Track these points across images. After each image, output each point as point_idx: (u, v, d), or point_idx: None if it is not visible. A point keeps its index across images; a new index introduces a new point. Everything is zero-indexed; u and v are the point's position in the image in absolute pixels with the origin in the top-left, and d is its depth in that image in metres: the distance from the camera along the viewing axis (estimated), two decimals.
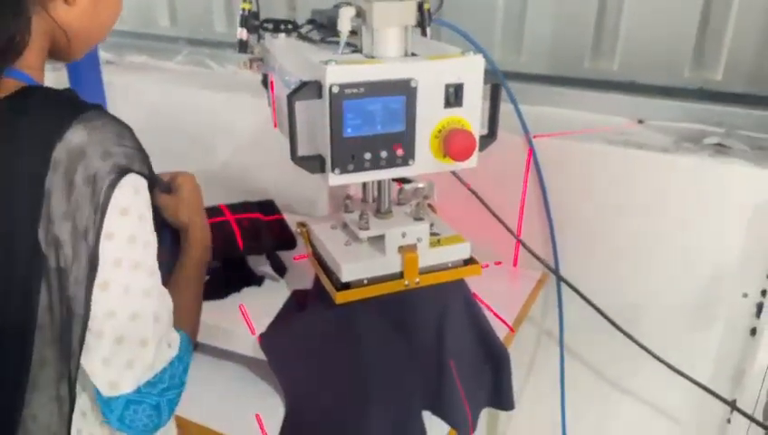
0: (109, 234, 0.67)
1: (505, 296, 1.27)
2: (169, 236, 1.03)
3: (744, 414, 1.19)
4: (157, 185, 1.19)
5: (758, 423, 1.20)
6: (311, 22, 1.05)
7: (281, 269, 1.26)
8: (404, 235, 1.00)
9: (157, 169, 0.79)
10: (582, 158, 1.29)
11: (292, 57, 0.97)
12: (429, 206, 1.11)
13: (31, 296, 0.68)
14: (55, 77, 1.33)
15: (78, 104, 0.70)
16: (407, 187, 1.07)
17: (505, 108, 0.95)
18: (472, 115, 0.90)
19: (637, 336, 1.23)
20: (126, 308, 0.69)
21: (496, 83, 0.92)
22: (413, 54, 0.89)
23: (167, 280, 0.82)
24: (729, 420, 1.29)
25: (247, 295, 1.20)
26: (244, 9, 1.05)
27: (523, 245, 1.34)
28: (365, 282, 0.99)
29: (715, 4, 1.30)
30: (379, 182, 1.03)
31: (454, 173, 1.28)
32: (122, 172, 0.67)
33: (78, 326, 0.68)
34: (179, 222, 0.96)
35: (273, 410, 1.05)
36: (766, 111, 1.29)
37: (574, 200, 1.32)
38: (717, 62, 1.33)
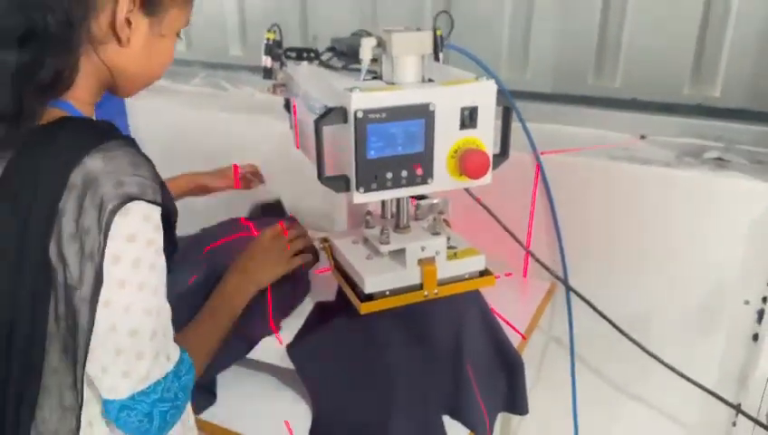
0: (115, 258, 0.69)
1: (516, 306, 1.30)
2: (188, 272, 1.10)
3: (750, 417, 1.21)
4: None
5: (763, 426, 1.21)
6: (331, 49, 1.10)
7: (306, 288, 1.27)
8: (423, 248, 1.03)
9: None
10: (588, 173, 1.32)
11: (316, 83, 1.01)
12: (444, 220, 1.14)
13: (41, 305, 0.70)
14: None
15: (105, 134, 0.72)
16: (423, 203, 1.11)
17: (513, 126, 0.98)
18: (485, 136, 0.93)
19: (643, 343, 1.25)
20: (126, 325, 0.71)
21: (507, 106, 0.96)
22: (430, 80, 0.92)
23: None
24: (734, 424, 1.31)
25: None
26: (268, 39, 1.11)
27: (533, 256, 1.37)
28: (387, 293, 1.01)
29: (712, 23, 1.33)
30: (398, 199, 1.06)
31: (467, 189, 1.31)
32: (128, 199, 0.68)
33: (82, 338, 0.70)
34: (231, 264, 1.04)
35: (302, 416, 1.07)
36: (764, 125, 1.31)
37: (581, 213, 1.34)
38: (715, 79, 1.35)
